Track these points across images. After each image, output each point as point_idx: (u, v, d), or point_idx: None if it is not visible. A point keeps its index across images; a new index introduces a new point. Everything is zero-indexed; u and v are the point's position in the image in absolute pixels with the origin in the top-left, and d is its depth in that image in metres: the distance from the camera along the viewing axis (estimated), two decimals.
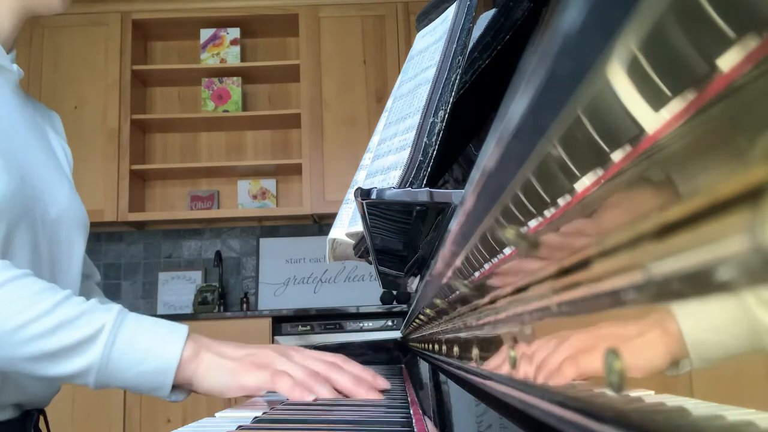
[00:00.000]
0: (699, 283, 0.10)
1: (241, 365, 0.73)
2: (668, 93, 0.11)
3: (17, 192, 0.79)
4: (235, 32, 3.25)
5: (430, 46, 0.60)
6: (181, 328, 0.74)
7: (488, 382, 0.30)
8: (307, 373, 0.73)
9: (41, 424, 0.92)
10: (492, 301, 0.27)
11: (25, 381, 0.84)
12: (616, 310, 0.14)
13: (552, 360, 0.20)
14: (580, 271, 0.16)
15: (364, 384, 0.75)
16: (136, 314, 0.74)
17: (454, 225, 0.29)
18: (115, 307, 0.73)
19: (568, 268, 0.17)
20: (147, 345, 0.71)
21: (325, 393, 0.71)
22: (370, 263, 0.74)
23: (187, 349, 0.73)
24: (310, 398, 0.70)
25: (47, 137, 0.97)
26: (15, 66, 0.91)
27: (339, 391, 0.74)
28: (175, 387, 0.75)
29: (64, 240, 0.90)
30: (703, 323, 0.11)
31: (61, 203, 0.89)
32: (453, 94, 0.51)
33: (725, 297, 0.10)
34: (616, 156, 0.13)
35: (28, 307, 0.68)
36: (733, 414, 0.11)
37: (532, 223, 0.19)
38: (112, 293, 3.16)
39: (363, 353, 1.32)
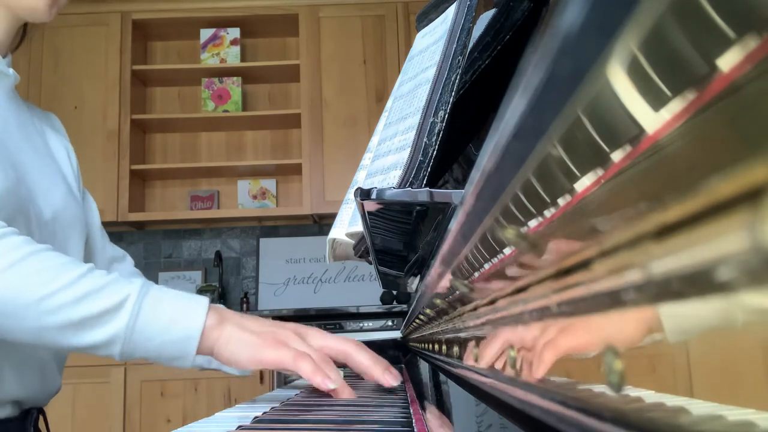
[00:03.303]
0: (699, 283, 0.10)
1: (262, 340, 0.75)
2: (668, 93, 0.11)
3: (12, 191, 0.80)
4: (235, 32, 3.25)
5: (430, 46, 0.60)
6: (203, 299, 0.76)
7: (488, 382, 0.30)
8: (322, 356, 0.75)
9: (41, 425, 0.93)
10: (492, 301, 0.27)
11: (24, 372, 0.84)
12: (616, 310, 0.14)
13: (551, 359, 0.20)
14: (579, 271, 0.16)
15: (380, 364, 0.76)
16: (159, 286, 0.76)
17: (454, 225, 0.29)
18: (139, 279, 0.75)
19: (568, 268, 0.17)
20: (171, 314, 0.73)
21: (336, 377, 0.73)
22: (370, 263, 0.74)
23: (210, 318, 0.75)
24: (330, 386, 0.71)
25: (45, 139, 0.98)
26: (11, 70, 0.92)
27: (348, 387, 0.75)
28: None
29: (59, 240, 0.91)
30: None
31: (56, 204, 0.90)
32: (453, 94, 0.51)
33: (724, 296, 0.10)
34: (616, 156, 0.13)
35: (54, 277, 0.69)
36: (733, 414, 0.11)
37: (532, 223, 0.19)
38: None
39: None
